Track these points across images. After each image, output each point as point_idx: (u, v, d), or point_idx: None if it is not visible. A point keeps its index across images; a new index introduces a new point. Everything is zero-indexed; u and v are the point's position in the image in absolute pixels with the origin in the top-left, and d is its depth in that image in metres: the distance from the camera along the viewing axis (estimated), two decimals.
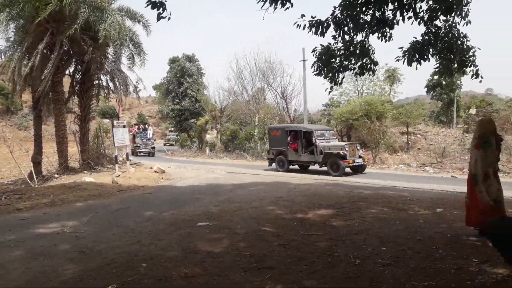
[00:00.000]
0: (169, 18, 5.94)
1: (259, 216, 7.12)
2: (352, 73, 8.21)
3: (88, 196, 9.68)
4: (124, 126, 15.86)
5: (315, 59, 7.89)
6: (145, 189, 11.44)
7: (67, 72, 17.25)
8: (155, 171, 15.40)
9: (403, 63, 7.67)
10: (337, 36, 7.80)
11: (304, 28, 7.64)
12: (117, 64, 18.95)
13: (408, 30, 7.70)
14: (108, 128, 20.73)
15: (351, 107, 28.28)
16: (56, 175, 14.35)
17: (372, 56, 8.01)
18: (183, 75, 42.46)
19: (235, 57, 31.05)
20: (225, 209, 7.83)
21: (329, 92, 8.48)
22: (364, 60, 7.99)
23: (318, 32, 7.68)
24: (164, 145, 45.49)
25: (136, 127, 35.25)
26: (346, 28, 7.82)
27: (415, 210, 7.53)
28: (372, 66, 8.06)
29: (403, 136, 26.47)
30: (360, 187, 11.08)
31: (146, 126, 35.73)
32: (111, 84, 18.95)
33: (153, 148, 31.36)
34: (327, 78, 8.01)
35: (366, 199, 8.76)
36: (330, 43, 7.82)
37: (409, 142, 24.60)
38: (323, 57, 7.78)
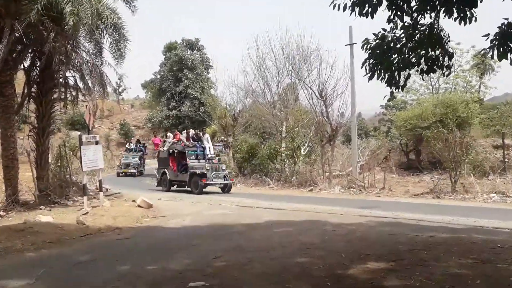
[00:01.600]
0: None
1: (279, 273, 7.09)
2: (417, 71, 8.12)
3: (42, 243, 9.83)
4: (96, 143, 16.07)
5: (367, 55, 7.92)
6: (122, 232, 11.56)
7: (20, 66, 17.68)
8: (139, 206, 15.59)
9: (492, 57, 7.57)
10: (392, 18, 7.75)
11: (344, 9, 7.65)
12: (90, 56, 19.29)
13: (502, 7, 7.56)
14: (77, 144, 21.11)
15: (421, 110, 28.03)
16: (2, 213, 14.64)
17: (446, 45, 7.92)
18: (181, 69, 43.10)
19: (255, 42, 31.29)
20: (231, 262, 7.85)
21: (389, 99, 8.47)
22: (435, 52, 7.88)
23: (364, 12, 7.65)
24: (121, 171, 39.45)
25: (185, 134, 26.46)
26: (406, 6, 7.75)
27: (507, 262, 7.37)
28: (446, 59, 7.95)
29: (497, 152, 25.95)
30: (430, 229, 10.94)
31: (201, 133, 27.08)
32: (81, 84, 19.33)
33: (227, 176, 23.87)
34: (384, 80, 7.95)
35: (436, 247, 8.66)
36: (385, 30, 7.78)
37: (506, 161, 24.05)
38: (377, 51, 7.80)
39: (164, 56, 46.12)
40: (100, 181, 16.76)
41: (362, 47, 7.81)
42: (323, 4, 18.29)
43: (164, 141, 26.65)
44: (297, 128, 29.64)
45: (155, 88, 48.53)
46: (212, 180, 22.70)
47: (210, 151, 24.90)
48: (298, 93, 32.24)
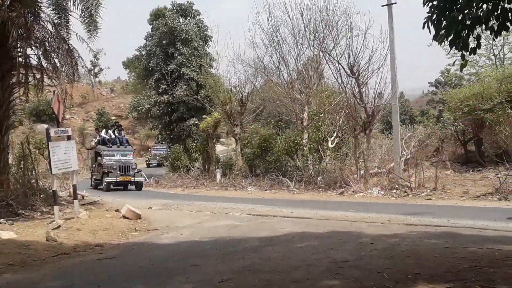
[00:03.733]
0: None
1: None
2: (485, 29, 8.00)
3: (2, 265, 9.81)
4: (68, 138, 15.88)
5: (429, 8, 7.86)
6: (104, 250, 11.52)
7: None
8: (124, 217, 15.60)
9: None
10: None
11: None
12: (56, 28, 19.19)
13: None
14: (44, 140, 21.14)
15: (482, 88, 27.77)
16: None
17: None
18: (173, 42, 42.89)
19: (266, 4, 30.85)
20: (242, 286, 7.82)
21: (462, 68, 8.58)
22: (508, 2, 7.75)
23: None
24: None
25: None
26: None
27: None
28: None
29: None
30: (496, 240, 10.81)
31: None
32: (46, 64, 19.25)
33: None
34: (448, 41, 7.87)
35: (505, 263, 8.53)
36: None
37: None
38: (440, 4, 7.73)
39: (151, 27, 45.94)
40: (74, 186, 16.63)
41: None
42: None
43: None
44: (322, 114, 29.24)
45: (140, 67, 48.44)
46: None
47: None
48: (322, 70, 32.05)
